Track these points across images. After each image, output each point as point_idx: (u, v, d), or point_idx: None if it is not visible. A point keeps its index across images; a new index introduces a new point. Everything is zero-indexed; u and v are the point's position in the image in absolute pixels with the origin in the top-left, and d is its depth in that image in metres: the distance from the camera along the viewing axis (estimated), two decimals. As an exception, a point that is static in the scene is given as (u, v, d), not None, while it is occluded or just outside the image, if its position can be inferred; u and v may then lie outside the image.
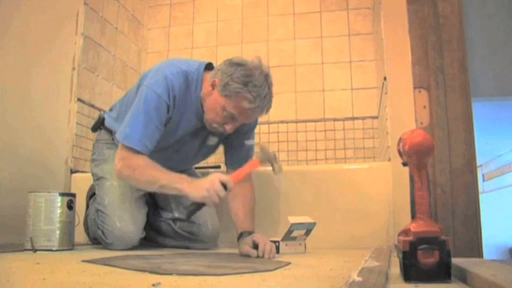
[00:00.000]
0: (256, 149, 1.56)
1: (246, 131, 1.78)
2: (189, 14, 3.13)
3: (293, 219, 1.65)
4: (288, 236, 1.65)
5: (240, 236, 1.59)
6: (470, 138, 1.64)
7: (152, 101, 1.57)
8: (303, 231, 1.68)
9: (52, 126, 2.21)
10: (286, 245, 1.66)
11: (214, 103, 1.58)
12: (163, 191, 1.61)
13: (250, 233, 1.57)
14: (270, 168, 1.59)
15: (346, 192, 2.00)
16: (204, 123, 1.67)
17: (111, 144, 1.87)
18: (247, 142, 1.74)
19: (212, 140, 1.79)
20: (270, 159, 1.55)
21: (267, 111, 1.60)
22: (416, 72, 1.70)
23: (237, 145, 1.79)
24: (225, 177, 1.45)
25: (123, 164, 1.59)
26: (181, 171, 1.94)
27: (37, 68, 2.12)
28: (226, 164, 1.86)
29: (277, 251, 1.59)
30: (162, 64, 1.70)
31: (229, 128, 1.61)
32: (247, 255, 1.47)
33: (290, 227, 1.63)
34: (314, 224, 1.68)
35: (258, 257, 1.44)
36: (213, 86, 1.59)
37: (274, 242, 1.57)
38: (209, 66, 1.70)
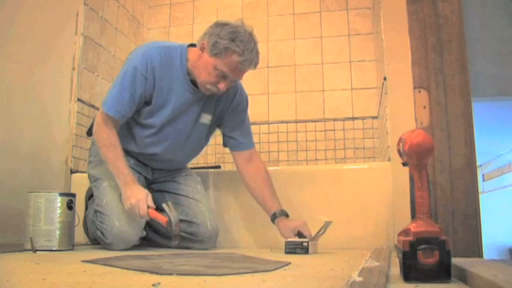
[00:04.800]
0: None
1: (238, 111, 1.87)
2: (189, 14, 3.12)
3: (325, 218, 1.64)
4: (317, 235, 1.64)
5: (274, 216, 1.74)
6: (470, 138, 1.63)
7: (129, 72, 1.68)
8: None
9: (52, 126, 2.21)
10: (312, 245, 1.62)
11: (205, 65, 1.66)
12: None
13: (282, 211, 1.74)
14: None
15: (346, 192, 2.00)
16: (194, 95, 1.74)
17: None
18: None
19: (205, 118, 1.83)
20: (172, 224, 1.61)
21: (255, 65, 1.68)
22: (416, 72, 1.70)
23: (231, 120, 1.87)
24: (145, 207, 1.62)
25: (96, 129, 1.72)
26: (179, 170, 1.95)
27: (37, 68, 2.12)
28: (224, 143, 1.92)
29: (307, 251, 1.58)
30: (143, 44, 1.86)
31: (222, 86, 1.68)
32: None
33: (324, 225, 1.62)
34: (331, 222, 1.66)
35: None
36: (202, 49, 1.68)
37: (302, 242, 1.58)
38: (192, 46, 1.79)
